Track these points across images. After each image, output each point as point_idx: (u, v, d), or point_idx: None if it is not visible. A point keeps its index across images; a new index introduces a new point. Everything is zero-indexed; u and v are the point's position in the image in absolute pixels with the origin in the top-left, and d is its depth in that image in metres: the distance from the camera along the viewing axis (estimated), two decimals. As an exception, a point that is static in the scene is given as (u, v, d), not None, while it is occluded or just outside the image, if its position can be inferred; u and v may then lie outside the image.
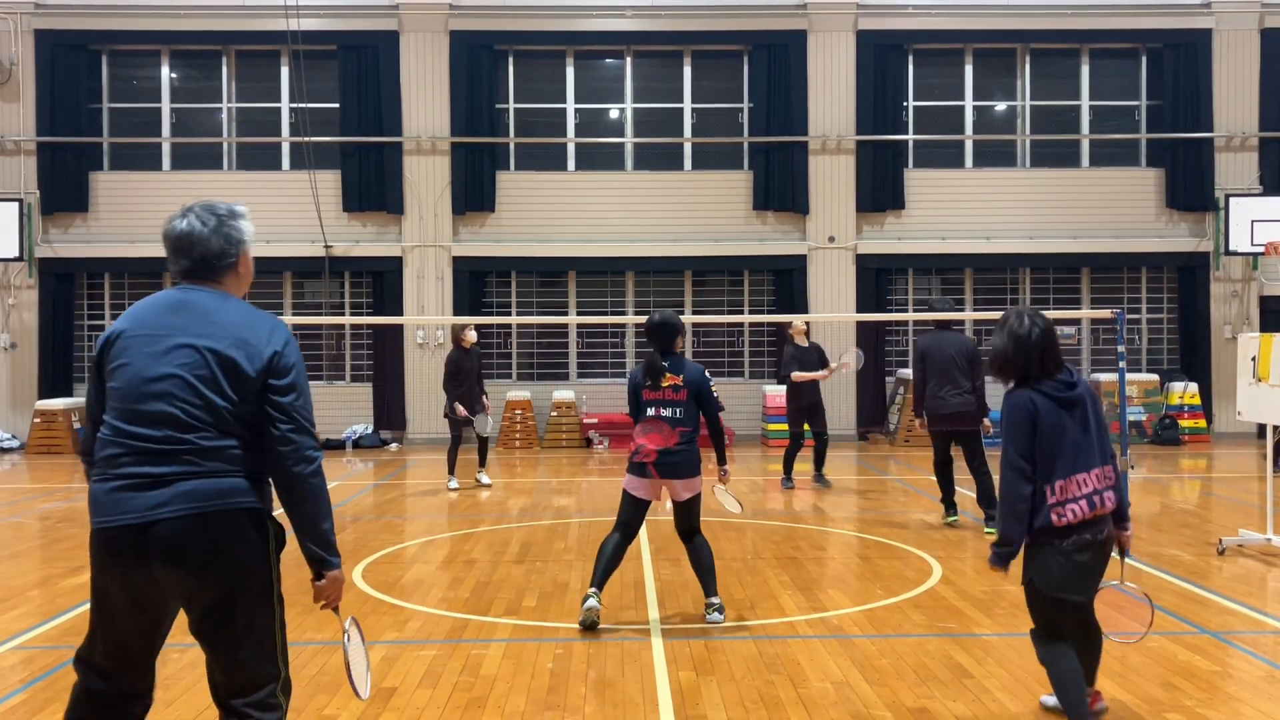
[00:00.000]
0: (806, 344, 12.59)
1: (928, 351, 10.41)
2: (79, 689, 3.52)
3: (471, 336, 12.80)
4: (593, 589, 6.45)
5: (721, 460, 6.80)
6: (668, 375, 6.60)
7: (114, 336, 3.46)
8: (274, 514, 3.54)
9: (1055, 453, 4.45)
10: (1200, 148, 18.29)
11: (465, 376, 12.60)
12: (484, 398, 12.84)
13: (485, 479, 13.04)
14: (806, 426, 12.44)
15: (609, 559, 6.55)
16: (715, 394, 6.80)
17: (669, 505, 6.78)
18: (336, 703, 5.21)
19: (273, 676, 3.56)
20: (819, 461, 12.61)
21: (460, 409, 12.49)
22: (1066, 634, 4.49)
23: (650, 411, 6.60)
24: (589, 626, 6.39)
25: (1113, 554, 4.66)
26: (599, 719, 5.01)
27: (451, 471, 12.83)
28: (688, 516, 6.66)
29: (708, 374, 6.77)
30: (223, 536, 3.36)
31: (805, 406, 12.34)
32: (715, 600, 6.62)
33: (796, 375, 12.18)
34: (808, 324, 13.11)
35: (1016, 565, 4.61)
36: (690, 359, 6.85)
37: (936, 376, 10.24)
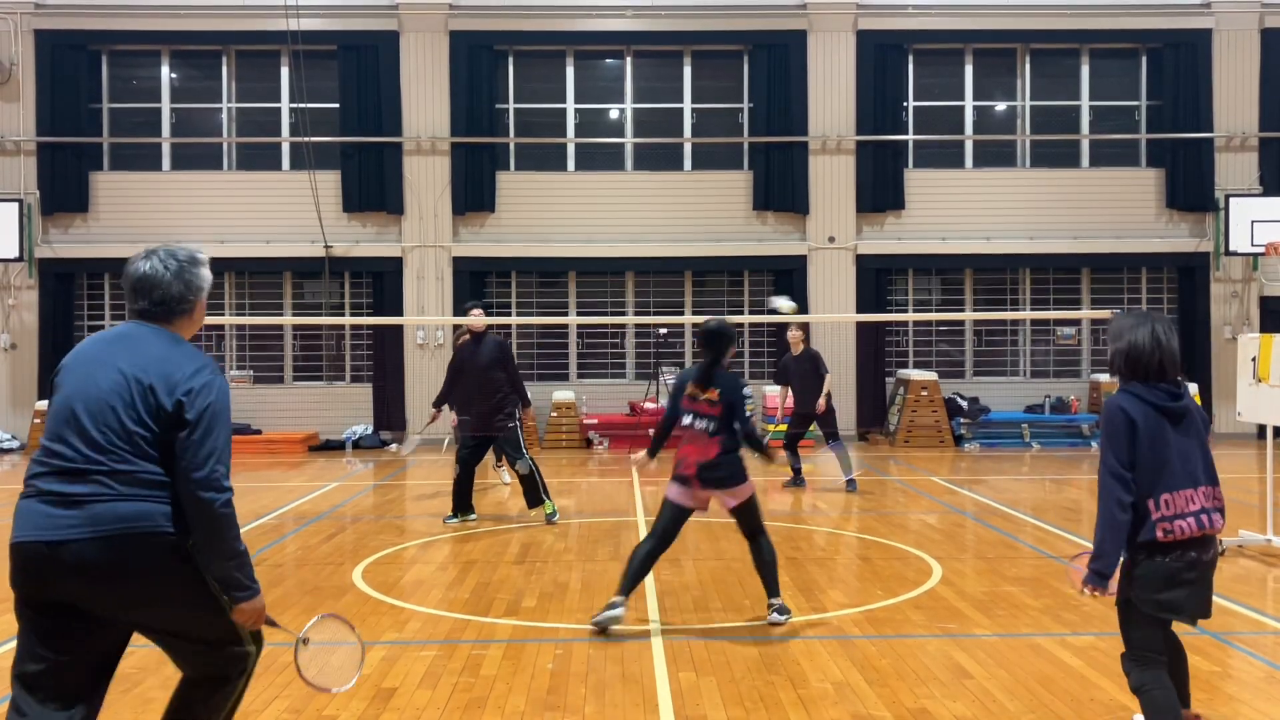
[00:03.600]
0: (799, 353, 12.56)
1: None
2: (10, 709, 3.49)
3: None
4: (620, 596, 6.39)
5: (768, 458, 6.82)
6: (710, 389, 6.57)
7: (61, 367, 3.60)
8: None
9: (1160, 463, 4.14)
10: (1200, 148, 18.29)
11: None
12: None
13: (506, 477, 12.86)
14: (813, 427, 12.72)
15: (639, 567, 6.49)
16: (750, 414, 6.78)
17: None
18: (337, 703, 5.21)
19: (232, 639, 3.64)
20: (843, 468, 12.50)
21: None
22: (1161, 659, 4.23)
23: (686, 421, 6.62)
24: (602, 631, 6.35)
25: None
26: (599, 719, 5.01)
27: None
28: (746, 520, 6.62)
29: (746, 389, 6.76)
30: (129, 559, 3.38)
31: (798, 414, 12.50)
32: (776, 601, 6.59)
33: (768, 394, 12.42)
34: (805, 332, 12.97)
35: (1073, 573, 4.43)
36: (728, 371, 6.78)
37: None
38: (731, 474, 6.50)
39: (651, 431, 7.04)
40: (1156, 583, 4.16)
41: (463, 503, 10.26)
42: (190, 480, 3.41)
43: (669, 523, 6.57)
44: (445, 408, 10.81)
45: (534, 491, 10.19)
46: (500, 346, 10.20)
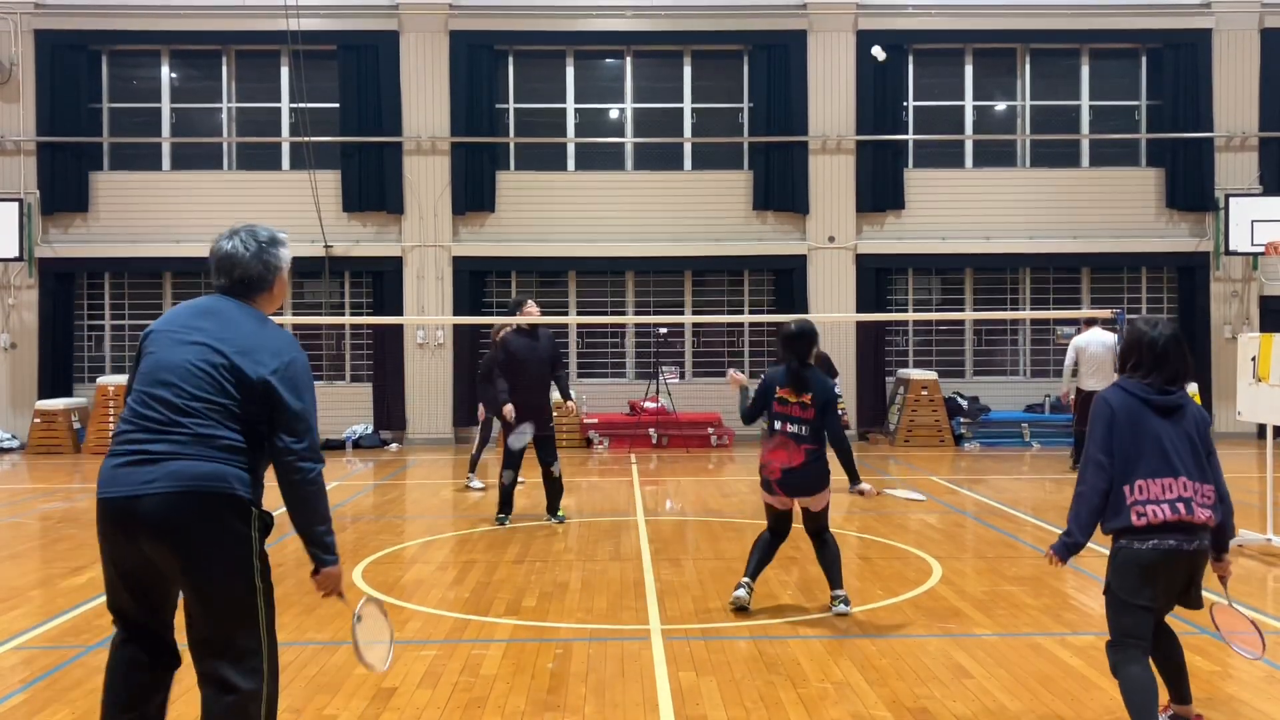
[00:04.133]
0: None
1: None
2: (114, 640, 3.84)
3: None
4: (746, 579, 6.80)
5: (854, 479, 6.77)
6: (804, 393, 6.56)
7: (150, 333, 3.83)
8: (260, 505, 3.75)
9: (1137, 452, 4.29)
10: (1200, 148, 18.29)
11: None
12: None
13: (477, 483, 12.73)
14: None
15: (761, 554, 6.85)
16: (842, 410, 6.82)
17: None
18: (336, 703, 5.21)
19: (254, 651, 3.66)
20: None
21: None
22: (1140, 644, 4.31)
23: (778, 426, 6.65)
24: (737, 610, 6.77)
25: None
26: (599, 719, 5.01)
27: (473, 470, 12.71)
28: (815, 519, 6.79)
29: (838, 389, 6.79)
30: (199, 512, 3.57)
31: None
32: (840, 593, 6.75)
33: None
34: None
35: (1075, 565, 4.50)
36: (819, 371, 6.78)
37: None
38: (817, 480, 6.62)
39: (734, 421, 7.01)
40: (1134, 569, 4.28)
41: (510, 501, 10.18)
42: (292, 451, 3.66)
43: (775, 521, 6.89)
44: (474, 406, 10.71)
45: (558, 497, 10.24)
46: (553, 341, 10.18)
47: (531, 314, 10.03)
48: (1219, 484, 4.40)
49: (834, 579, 6.78)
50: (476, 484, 12.65)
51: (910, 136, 18.65)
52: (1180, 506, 4.23)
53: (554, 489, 10.21)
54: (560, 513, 10.27)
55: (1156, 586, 4.28)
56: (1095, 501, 4.31)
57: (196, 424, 3.61)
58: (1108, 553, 4.49)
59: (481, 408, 12.57)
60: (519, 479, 10.43)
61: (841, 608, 6.69)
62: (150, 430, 3.62)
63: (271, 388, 3.66)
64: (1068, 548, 4.40)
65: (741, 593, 6.77)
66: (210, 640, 3.64)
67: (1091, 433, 4.38)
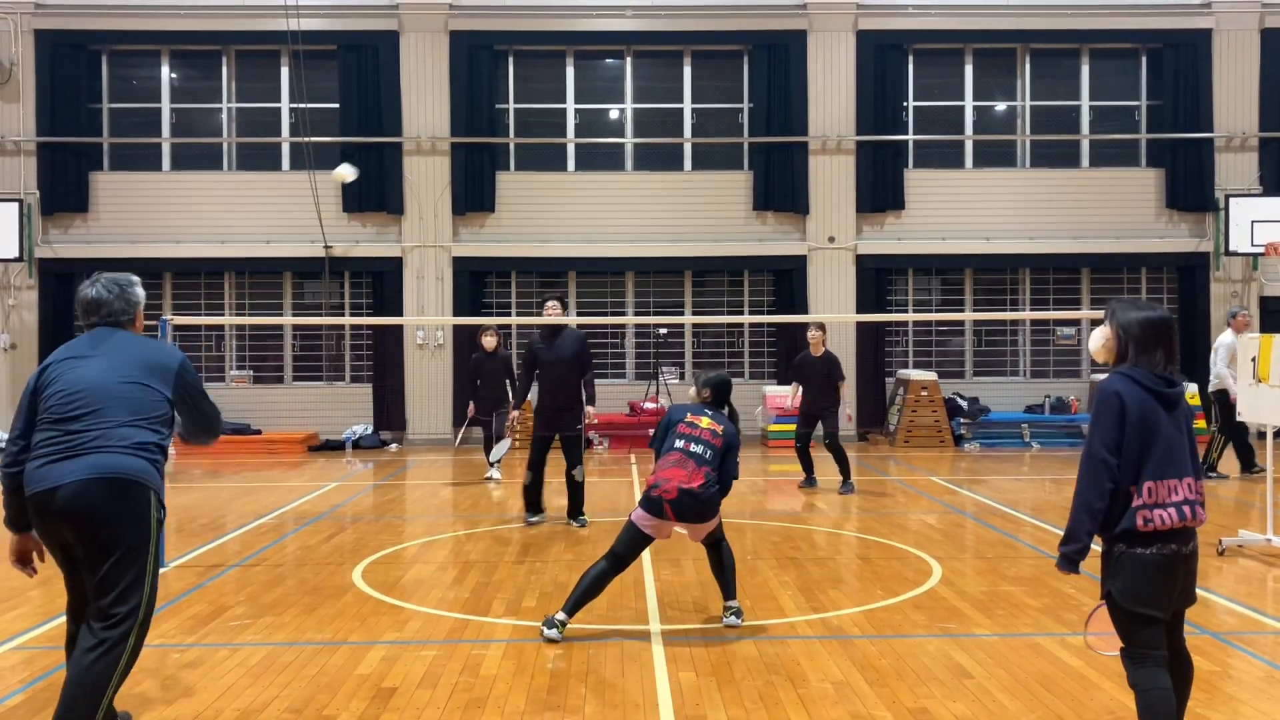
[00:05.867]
0: (818, 354, 12.42)
1: None
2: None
3: (489, 342, 13.11)
4: (562, 615, 6.20)
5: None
6: (714, 422, 6.51)
7: (47, 367, 4.48)
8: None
9: (1147, 450, 4.01)
10: (1200, 148, 18.29)
11: (485, 379, 13.16)
12: (509, 405, 12.36)
13: (495, 475, 13.37)
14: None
15: (588, 587, 6.24)
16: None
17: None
18: (336, 703, 5.21)
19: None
20: (841, 472, 12.44)
21: (471, 408, 13.26)
22: (1158, 654, 4.05)
23: (680, 444, 6.39)
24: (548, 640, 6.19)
25: None
26: (599, 719, 5.01)
27: (493, 462, 13.22)
28: (710, 534, 6.59)
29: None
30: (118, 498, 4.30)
31: (806, 414, 12.44)
32: (733, 604, 6.58)
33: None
34: (823, 332, 12.53)
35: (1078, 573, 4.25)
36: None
37: None
38: (710, 508, 6.37)
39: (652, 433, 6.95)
40: (1135, 576, 4.02)
41: (535, 502, 10.13)
42: (200, 431, 4.72)
43: (627, 547, 6.34)
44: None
45: (580, 500, 10.05)
46: (581, 342, 9.86)
47: (551, 314, 9.89)
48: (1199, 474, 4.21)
49: (727, 589, 6.59)
50: (495, 475, 13.30)
51: (910, 137, 18.65)
52: (1186, 510, 4.03)
53: (574, 493, 10.00)
54: (583, 516, 10.06)
55: (1162, 592, 4.06)
56: (1099, 505, 4.01)
57: (116, 426, 4.41)
58: (1101, 552, 4.25)
59: (471, 406, 13.40)
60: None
61: (733, 619, 6.49)
62: (71, 434, 4.39)
63: (182, 383, 4.67)
64: (1072, 559, 4.11)
65: (554, 633, 6.14)
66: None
67: (1098, 426, 4.06)
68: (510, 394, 12.81)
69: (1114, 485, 4.01)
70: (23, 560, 4.52)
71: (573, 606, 6.24)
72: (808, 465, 12.60)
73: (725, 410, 6.68)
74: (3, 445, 4.50)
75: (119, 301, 4.69)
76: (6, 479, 4.38)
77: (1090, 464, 4.04)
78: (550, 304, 10.00)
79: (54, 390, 4.36)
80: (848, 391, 12.14)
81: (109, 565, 4.23)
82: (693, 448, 6.38)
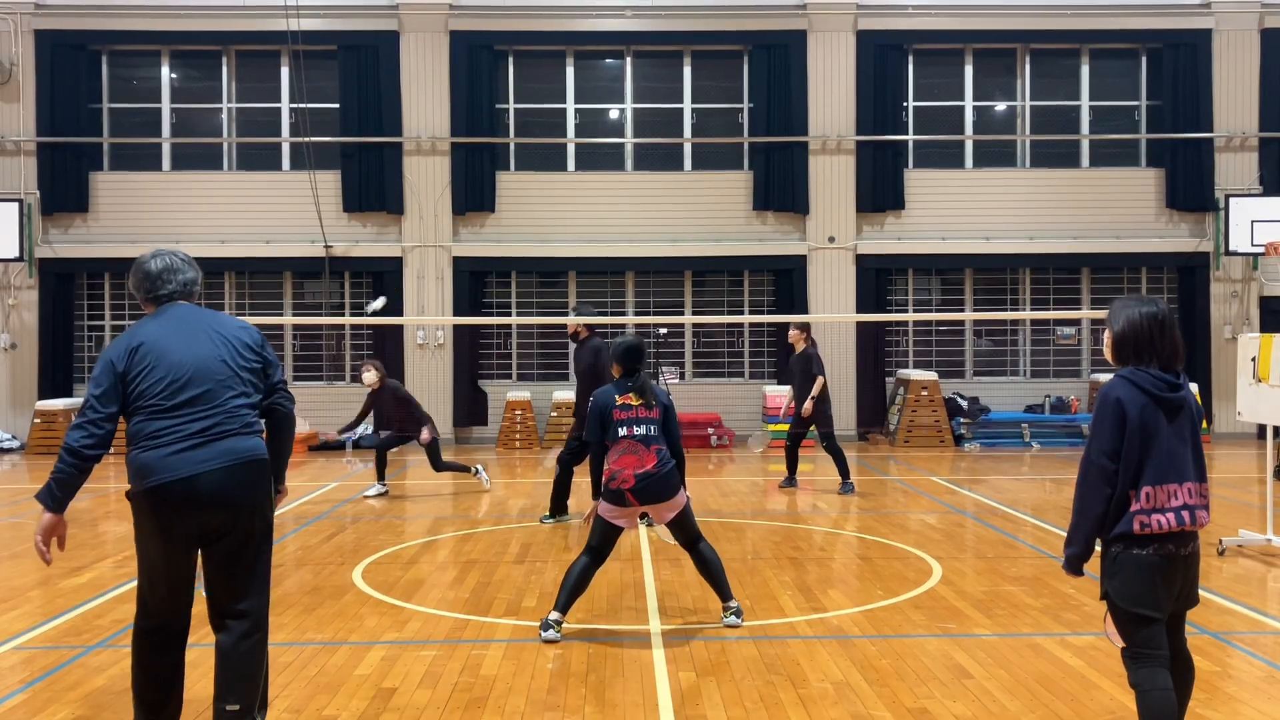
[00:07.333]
0: (798, 351, 12.43)
1: None
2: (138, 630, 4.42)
3: (368, 378, 12.06)
4: (556, 614, 6.23)
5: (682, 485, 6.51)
6: (640, 395, 6.44)
7: (137, 349, 4.29)
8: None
9: (1147, 455, 4.01)
10: (1200, 148, 18.29)
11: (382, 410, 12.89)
12: (423, 427, 12.08)
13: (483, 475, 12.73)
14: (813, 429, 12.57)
15: (576, 582, 6.28)
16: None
17: (658, 527, 6.64)
18: (337, 703, 5.21)
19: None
20: (840, 472, 12.40)
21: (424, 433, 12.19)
22: (1159, 655, 4.04)
23: (622, 432, 6.35)
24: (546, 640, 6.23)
25: None
26: (599, 719, 5.01)
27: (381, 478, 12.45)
28: (684, 529, 6.50)
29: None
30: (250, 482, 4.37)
31: (797, 413, 12.45)
32: (732, 604, 6.56)
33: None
34: (805, 331, 12.53)
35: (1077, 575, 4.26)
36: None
37: None
38: (670, 484, 6.33)
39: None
40: (1131, 576, 4.03)
41: (560, 504, 10.22)
42: (285, 396, 4.60)
43: (602, 540, 6.37)
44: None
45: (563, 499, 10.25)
46: (596, 353, 9.96)
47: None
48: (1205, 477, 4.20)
49: (722, 590, 6.52)
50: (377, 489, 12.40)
51: (910, 137, 18.65)
52: (1185, 515, 4.03)
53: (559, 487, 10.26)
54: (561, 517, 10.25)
55: (1159, 593, 4.06)
56: (1099, 510, 4.04)
57: (235, 404, 4.48)
58: (1101, 552, 4.27)
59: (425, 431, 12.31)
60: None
61: (732, 619, 6.47)
62: (200, 419, 4.45)
63: (265, 355, 4.65)
64: (1076, 562, 4.15)
65: (554, 634, 6.19)
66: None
67: (1097, 431, 4.08)
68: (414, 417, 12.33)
69: (1112, 490, 4.03)
70: (57, 541, 4.29)
71: (564, 604, 6.26)
72: (792, 465, 12.58)
73: (639, 376, 6.54)
74: (81, 422, 4.14)
75: (190, 270, 4.59)
76: (83, 460, 4.14)
77: (1089, 469, 4.07)
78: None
79: (156, 375, 4.24)
80: (819, 387, 12.03)
81: (251, 548, 4.32)
82: (636, 430, 6.37)
